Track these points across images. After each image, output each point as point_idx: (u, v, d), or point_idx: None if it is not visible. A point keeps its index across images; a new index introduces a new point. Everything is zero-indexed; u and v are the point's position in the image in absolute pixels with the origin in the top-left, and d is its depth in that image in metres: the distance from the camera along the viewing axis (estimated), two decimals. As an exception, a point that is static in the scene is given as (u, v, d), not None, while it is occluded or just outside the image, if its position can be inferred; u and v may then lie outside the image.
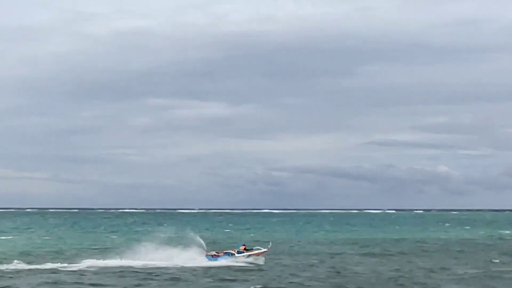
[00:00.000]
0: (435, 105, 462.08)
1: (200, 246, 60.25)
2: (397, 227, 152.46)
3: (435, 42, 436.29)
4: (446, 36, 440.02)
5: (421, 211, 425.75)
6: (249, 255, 58.59)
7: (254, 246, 62.36)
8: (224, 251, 60.30)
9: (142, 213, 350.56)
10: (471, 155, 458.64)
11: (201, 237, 63.71)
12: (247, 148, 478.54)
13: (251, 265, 56.88)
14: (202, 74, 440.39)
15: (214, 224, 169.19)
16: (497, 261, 63.00)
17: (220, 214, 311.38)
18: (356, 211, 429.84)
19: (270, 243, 62.52)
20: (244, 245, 61.31)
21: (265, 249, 59.91)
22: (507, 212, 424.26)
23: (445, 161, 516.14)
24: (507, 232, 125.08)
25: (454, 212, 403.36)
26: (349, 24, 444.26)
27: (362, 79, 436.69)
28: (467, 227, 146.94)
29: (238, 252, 58.99)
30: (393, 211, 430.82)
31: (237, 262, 57.61)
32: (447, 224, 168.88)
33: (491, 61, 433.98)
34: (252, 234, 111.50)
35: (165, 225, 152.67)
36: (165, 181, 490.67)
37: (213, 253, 59.54)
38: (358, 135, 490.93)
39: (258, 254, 58.94)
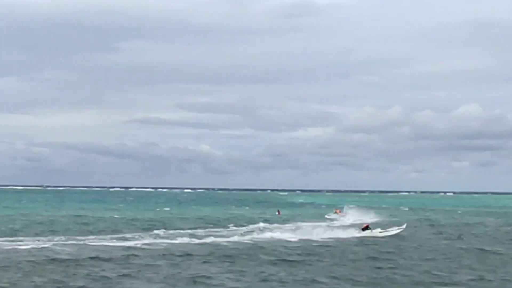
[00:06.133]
0: (198, 84, 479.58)
1: None
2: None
3: (198, 21, 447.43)
4: (209, 16, 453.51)
5: (190, 190, 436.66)
6: None
7: None
8: None
9: None
10: (233, 135, 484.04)
11: None
12: (6, 123, 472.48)
13: None
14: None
15: None
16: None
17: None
18: (122, 189, 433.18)
19: None
20: None
21: None
22: (268, 191, 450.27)
23: (207, 141, 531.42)
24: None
25: (220, 192, 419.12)
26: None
27: (124, 56, 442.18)
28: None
29: None
30: (166, 190, 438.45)
31: None
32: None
33: (254, 43, 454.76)
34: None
35: None
36: None
37: None
38: (120, 112, 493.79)
39: None
